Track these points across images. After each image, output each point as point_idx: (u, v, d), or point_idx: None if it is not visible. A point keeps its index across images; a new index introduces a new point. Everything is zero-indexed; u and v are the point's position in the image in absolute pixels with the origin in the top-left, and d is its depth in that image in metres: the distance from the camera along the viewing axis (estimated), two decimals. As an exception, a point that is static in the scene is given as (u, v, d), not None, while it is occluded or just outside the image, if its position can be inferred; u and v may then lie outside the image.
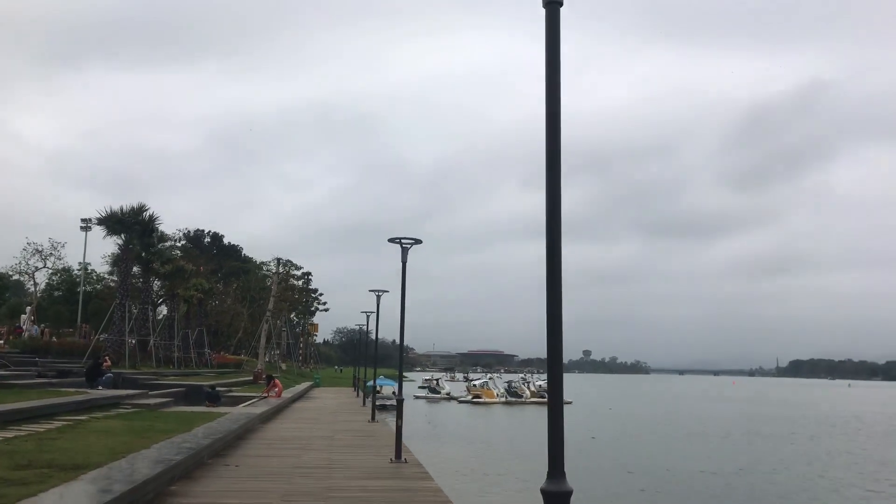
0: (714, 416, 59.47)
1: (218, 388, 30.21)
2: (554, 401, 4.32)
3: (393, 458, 14.52)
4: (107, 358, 27.77)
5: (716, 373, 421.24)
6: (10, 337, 37.58)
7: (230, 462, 13.62)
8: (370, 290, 26.12)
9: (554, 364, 4.40)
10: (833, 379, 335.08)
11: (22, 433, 13.13)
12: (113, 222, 38.79)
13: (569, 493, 4.13)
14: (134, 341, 39.22)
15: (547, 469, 4.15)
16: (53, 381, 25.82)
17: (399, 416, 15.01)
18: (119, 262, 40.29)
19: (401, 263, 15.42)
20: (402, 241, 15.17)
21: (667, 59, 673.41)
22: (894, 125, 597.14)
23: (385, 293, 26.05)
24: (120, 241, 39.75)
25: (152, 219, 40.86)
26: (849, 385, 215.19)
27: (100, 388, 23.30)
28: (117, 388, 26.46)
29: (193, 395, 29.95)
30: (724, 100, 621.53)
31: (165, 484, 10.32)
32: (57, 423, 14.97)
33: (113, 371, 30.59)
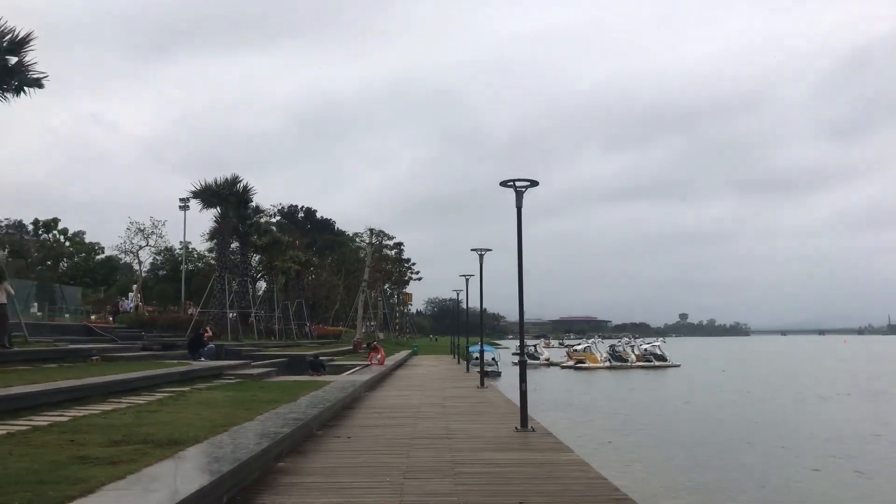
0: (847, 375, 55.19)
1: (321, 358, 29.49)
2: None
3: (518, 427, 12.94)
4: (208, 329, 27.39)
5: (821, 332, 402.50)
6: (118, 313, 38.15)
7: (341, 433, 12.38)
8: (472, 249, 24.55)
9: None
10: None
11: (122, 405, 12.26)
12: (208, 195, 38.68)
13: None
14: (234, 314, 39.18)
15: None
16: (158, 353, 25.58)
17: (523, 380, 13.38)
18: (216, 234, 40.28)
19: (515, 209, 13.67)
20: (517, 183, 13.44)
21: (756, 8, 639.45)
22: None
23: (488, 252, 24.40)
24: (216, 214, 39.68)
25: (247, 189, 40.56)
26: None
27: (202, 359, 22.77)
28: (220, 359, 26.05)
29: (296, 366, 29.36)
30: (820, 47, 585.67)
31: (272, 460, 9.08)
32: (158, 395, 14.13)
33: (215, 343, 30.39)
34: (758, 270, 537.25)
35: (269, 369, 24.20)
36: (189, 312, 37.84)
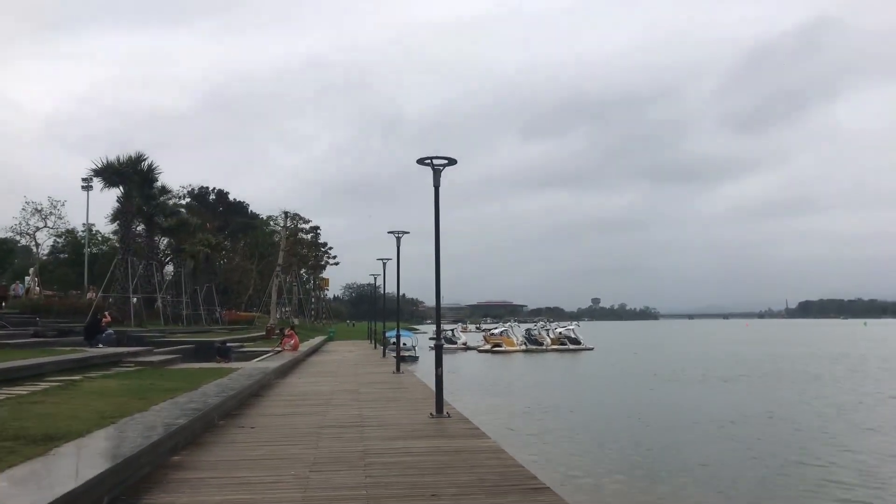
0: (757, 357, 57.32)
1: (229, 344, 28.34)
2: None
3: (433, 413, 12.52)
4: (106, 314, 25.78)
5: (725, 316, 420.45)
6: (9, 298, 35.69)
7: (246, 424, 11.67)
8: (389, 232, 23.96)
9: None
10: (845, 318, 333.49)
11: (-1, 397, 11.16)
12: (110, 173, 36.57)
13: None
14: (137, 299, 37.30)
15: None
16: (51, 340, 23.92)
17: (438, 364, 12.94)
18: (119, 215, 38.18)
19: (433, 191, 13.19)
20: (434, 161, 12.94)
21: (668, 3, 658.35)
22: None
23: (405, 234, 23.88)
24: (119, 194, 37.60)
25: (151, 168, 38.57)
26: (864, 324, 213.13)
27: (100, 346, 21.38)
28: (121, 345, 24.65)
29: (203, 352, 28.09)
30: (726, 42, 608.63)
31: (166, 454, 8.35)
32: (44, 385, 13.00)
33: (118, 330, 28.78)
34: (666, 257, 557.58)
35: (172, 356, 23.03)
36: (88, 297, 35.75)
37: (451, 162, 13.00)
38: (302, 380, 20.72)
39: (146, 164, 38.09)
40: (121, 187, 37.24)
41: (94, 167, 37.04)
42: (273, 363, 22.31)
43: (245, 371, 18.06)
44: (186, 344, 29.75)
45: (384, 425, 11.62)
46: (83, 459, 6.78)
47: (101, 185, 37.67)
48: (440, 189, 13.21)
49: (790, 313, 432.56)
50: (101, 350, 20.16)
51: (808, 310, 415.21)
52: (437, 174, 13.02)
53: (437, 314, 13.51)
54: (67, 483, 5.60)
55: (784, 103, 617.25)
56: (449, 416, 12.37)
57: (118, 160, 36.90)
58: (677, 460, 16.91)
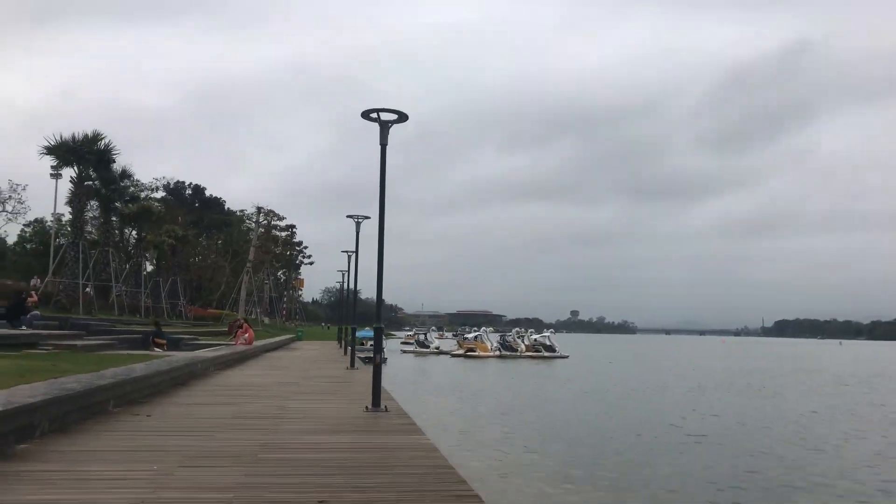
0: (736, 371, 56.05)
1: (171, 332, 26.30)
2: None
3: (369, 406, 10.76)
4: (32, 293, 23.73)
5: (701, 332, 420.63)
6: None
7: (142, 411, 9.86)
8: (348, 216, 22.16)
9: None
10: (822, 338, 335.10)
11: None
12: (63, 151, 34.30)
13: None
14: (90, 286, 35.11)
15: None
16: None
17: (378, 350, 11.19)
18: (73, 197, 35.97)
19: (379, 147, 11.47)
20: (381, 114, 11.23)
21: (652, 21, 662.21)
22: (876, 88, 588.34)
23: (367, 220, 22.11)
24: (73, 175, 35.40)
25: (108, 149, 36.31)
26: (840, 343, 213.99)
27: (23, 327, 19.37)
28: (62, 330, 22.71)
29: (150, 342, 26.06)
30: (709, 61, 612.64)
31: (7, 443, 6.54)
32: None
33: (60, 316, 26.78)
34: (645, 272, 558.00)
35: (107, 342, 21.11)
36: (32, 283, 33.51)
37: (402, 117, 11.31)
38: (247, 372, 18.84)
39: (103, 143, 35.90)
40: (75, 167, 35.08)
41: (47, 144, 34.80)
42: (212, 353, 20.39)
43: (173, 358, 16.18)
44: (132, 333, 27.71)
45: (306, 418, 9.84)
46: None
47: (55, 164, 35.55)
48: (387, 149, 11.52)
49: (766, 332, 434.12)
50: (20, 331, 18.19)
51: (784, 329, 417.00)
52: (384, 130, 11.32)
53: (378, 307, 11.66)
54: None
55: (764, 124, 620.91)
56: (387, 410, 10.62)
57: (73, 138, 34.71)
58: (624, 474, 15.19)
